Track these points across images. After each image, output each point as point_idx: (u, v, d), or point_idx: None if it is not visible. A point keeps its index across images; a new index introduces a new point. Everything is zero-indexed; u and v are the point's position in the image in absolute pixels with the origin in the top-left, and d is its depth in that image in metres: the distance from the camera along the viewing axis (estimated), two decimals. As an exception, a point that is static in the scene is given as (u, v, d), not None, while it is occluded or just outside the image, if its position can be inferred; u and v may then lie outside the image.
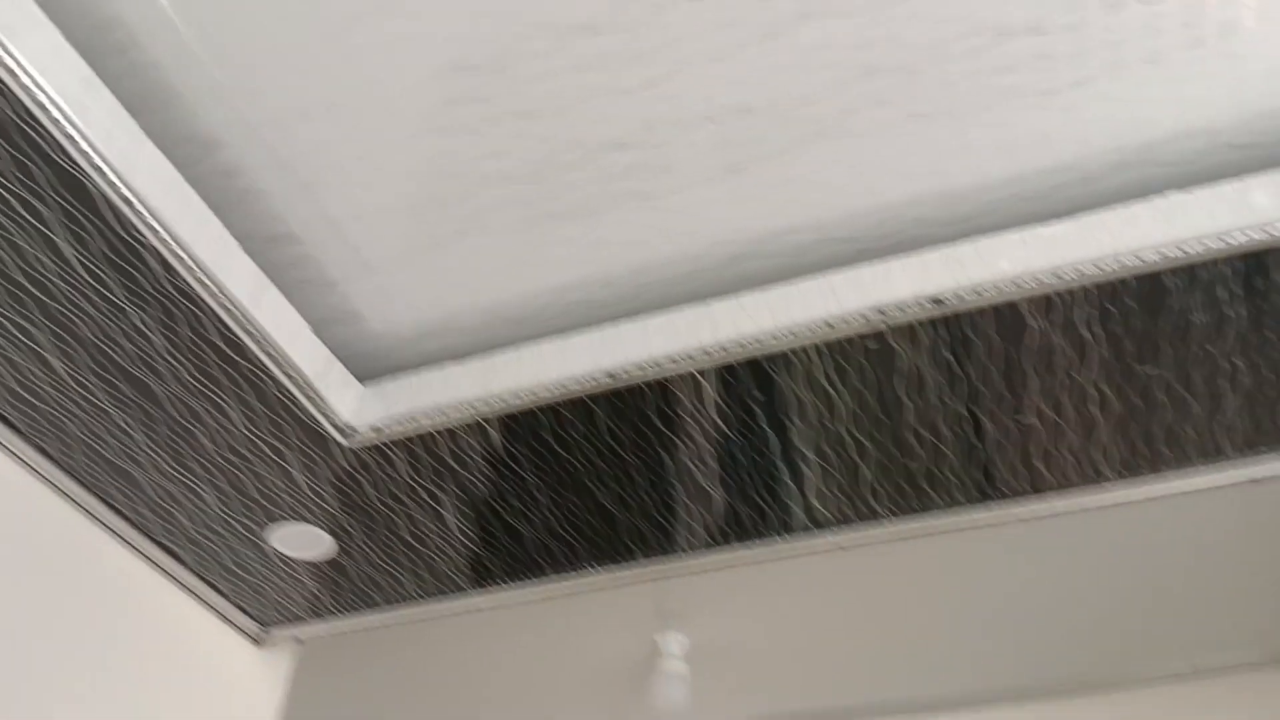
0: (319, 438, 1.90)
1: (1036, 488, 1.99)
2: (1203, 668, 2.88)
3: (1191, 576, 2.60)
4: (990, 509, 2.05)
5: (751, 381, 1.83)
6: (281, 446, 1.92)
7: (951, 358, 1.76)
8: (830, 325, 1.73)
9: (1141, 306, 1.66)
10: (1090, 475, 1.95)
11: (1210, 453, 1.90)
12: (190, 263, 1.63)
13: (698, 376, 1.82)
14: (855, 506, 2.10)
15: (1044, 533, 2.48)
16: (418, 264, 1.88)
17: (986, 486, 2.00)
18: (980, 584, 2.65)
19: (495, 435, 1.91)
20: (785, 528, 2.17)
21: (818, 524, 2.15)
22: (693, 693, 3.03)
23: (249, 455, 1.94)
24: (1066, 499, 1.99)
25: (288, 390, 1.79)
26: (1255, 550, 2.49)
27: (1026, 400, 1.82)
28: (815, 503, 2.10)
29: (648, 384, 1.83)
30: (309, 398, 1.81)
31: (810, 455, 1.98)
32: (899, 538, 2.12)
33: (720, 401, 1.87)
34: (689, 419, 1.91)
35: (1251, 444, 1.89)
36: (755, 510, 2.15)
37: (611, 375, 1.82)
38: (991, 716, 3.06)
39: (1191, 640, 2.82)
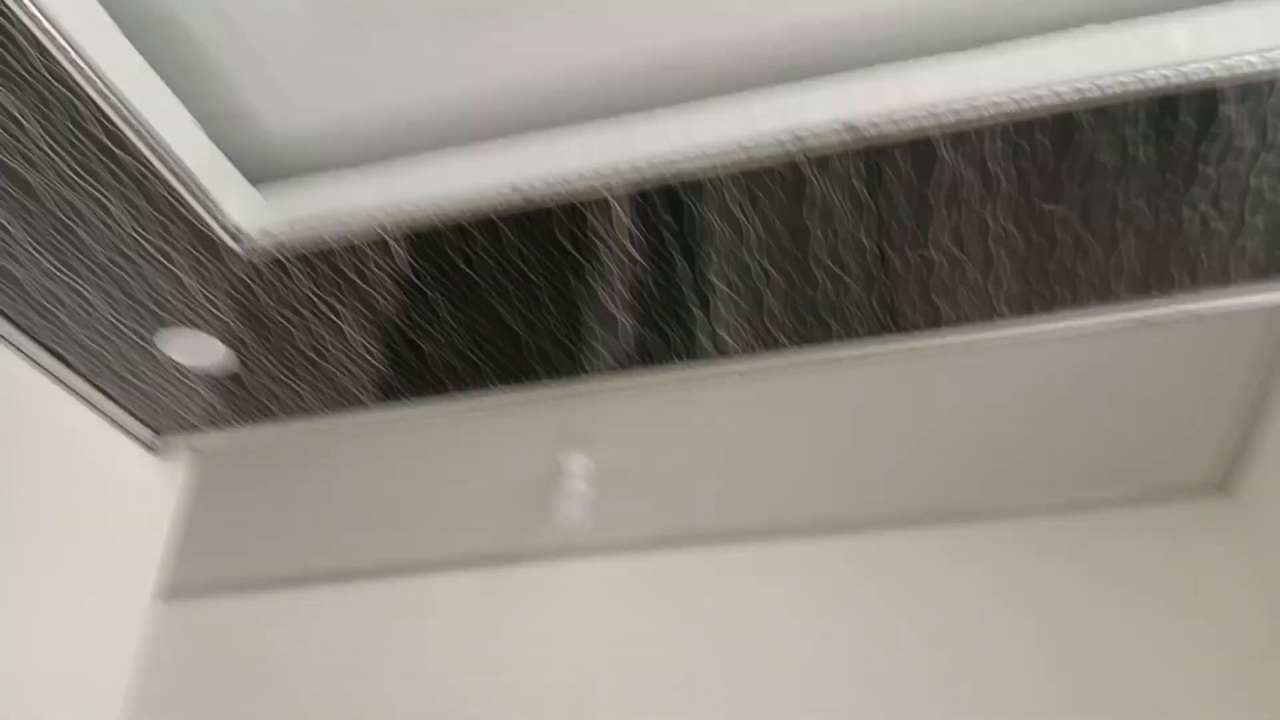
0: (208, 241, 1.82)
1: (935, 323, 2.03)
2: (1079, 501, 3.07)
3: (1076, 415, 2.72)
4: (889, 342, 2.08)
5: (663, 206, 1.79)
6: (169, 249, 1.84)
7: (863, 189, 1.75)
8: (745, 148, 1.69)
9: (1052, 143, 1.65)
10: (987, 312, 1.99)
11: (1103, 294, 1.95)
12: (64, 44, 1.51)
13: (609, 199, 1.78)
14: (759, 335, 2.12)
15: (939, 367, 2.55)
16: (314, 58, 1.77)
17: (887, 320, 2.03)
18: (876, 414, 2.74)
19: (398, 249, 1.85)
20: (690, 354, 2.19)
21: (722, 351, 2.17)
22: (596, 512, 3.12)
23: (136, 257, 1.86)
24: (963, 335, 2.03)
25: (172, 188, 1.70)
26: (1137, 392, 2.61)
27: (932, 235, 1.83)
28: (720, 330, 2.11)
29: (558, 205, 1.79)
30: (195, 196, 1.73)
31: (717, 283, 1.98)
32: (800, 367, 2.15)
33: (631, 226, 1.84)
34: (599, 242, 1.88)
35: (1144, 287, 1.94)
36: (661, 336, 2.15)
37: (518, 190, 1.76)
38: (879, 541, 3.23)
39: (1070, 475, 2.98)
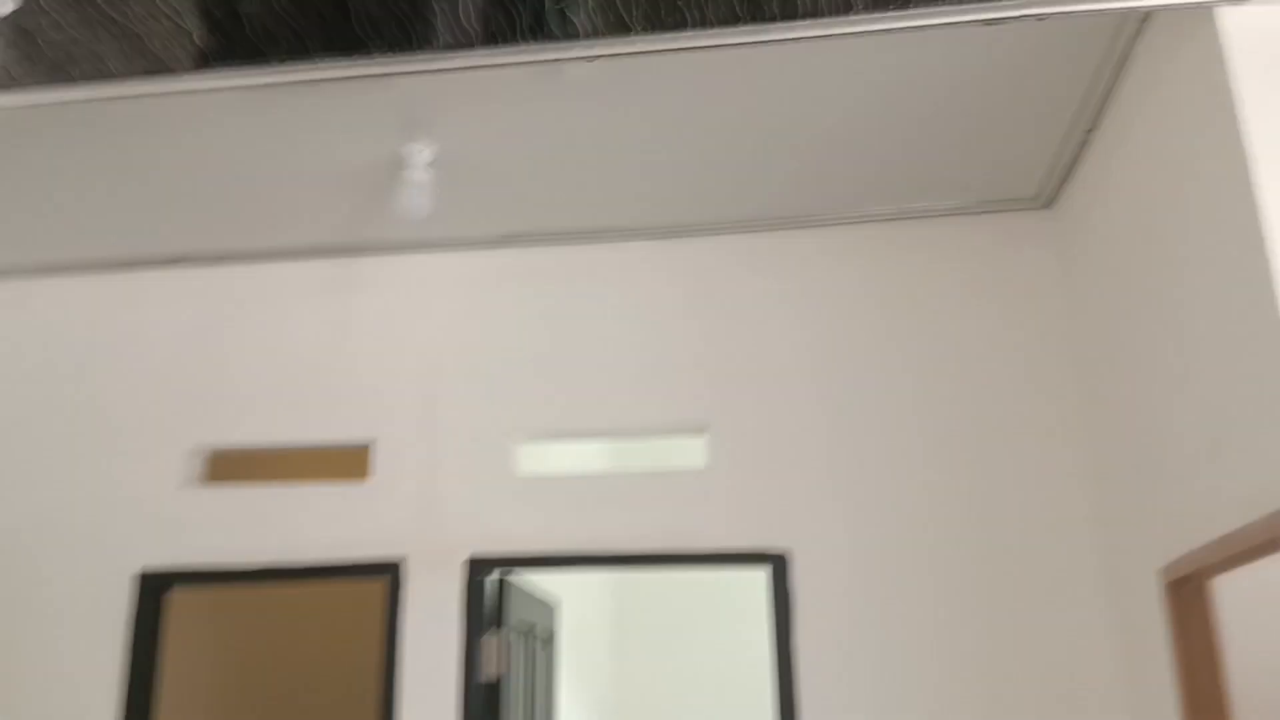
0: None
1: (791, 14, 1.95)
2: (918, 210, 3.16)
3: (921, 125, 2.73)
4: (743, 31, 2.00)
5: None
6: None
7: None
8: None
9: None
10: (840, 6, 1.92)
11: (957, -10, 1.90)
12: None
13: None
14: (610, 18, 2.00)
15: (791, 68, 2.49)
16: None
17: (740, 7, 1.94)
18: (723, 111, 2.68)
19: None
20: (537, 34, 2.06)
21: (571, 34, 2.04)
22: (439, 205, 3.04)
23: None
24: (817, 27, 1.97)
25: None
26: (978, 104, 2.63)
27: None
28: (569, 11, 1.98)
29: None
30: None
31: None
32: (649, 52, 2.06)
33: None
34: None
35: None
36: (505, 13, 2.01)
37: None
38: (717, 242, 3.29)
39: (912, 185, 3.05)
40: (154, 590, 3.11)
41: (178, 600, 3.63)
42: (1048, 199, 3.10)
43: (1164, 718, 2.45)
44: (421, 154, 2.81)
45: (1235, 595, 2.52)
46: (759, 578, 2.97)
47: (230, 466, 3.43)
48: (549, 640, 3.69)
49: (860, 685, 2.85)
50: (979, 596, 2.89)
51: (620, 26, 2.05)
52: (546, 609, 3.65)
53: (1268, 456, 1.85)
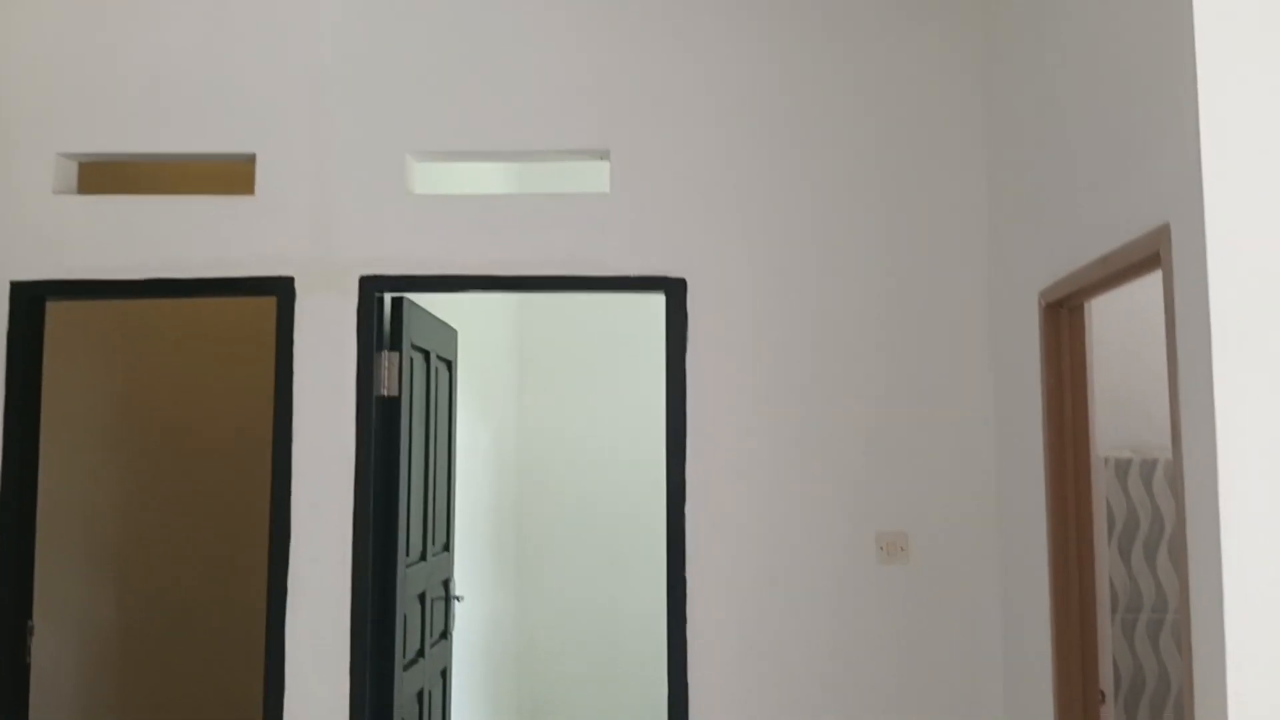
0: None
1: None
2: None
3: None
4: None
5: None
6: None
7: None
8: None
9: None
10: None
11: None
12: None
13: None
14: None
15: None
16: None
17: None
18: None
19: None
20: None
21: None
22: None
23: None
24: None
25: None
26: None
27: None
28: None
29: None
30: None
31: None
32: None
33: None
34: None
35: None
36: None
37: None
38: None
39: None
40: (28, 304, 2.98)
41: (60, 323, 3.52)
42: (973, -84, 2.94)
43: (1028, 436, 2.61)
44: None
45: (1106, 324, 2.63)
46: (660, 309, 2.99)
47: (106, 178, 3.24)
48: (450, 365, 3.71)
49: (748, 410, 2.95)
50: (871, 322, 2.97)
51: None
52: (448, 333, 3.65)
53: (1153, 175, 1.86)
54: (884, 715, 2.84)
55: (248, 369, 4.18)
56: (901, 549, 2.88)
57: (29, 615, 2.96)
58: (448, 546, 3.64)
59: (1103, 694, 2.37)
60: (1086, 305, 2.40)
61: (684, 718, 2.84)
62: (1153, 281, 1.88)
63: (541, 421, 5.52)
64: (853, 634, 2.87)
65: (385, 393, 3.00)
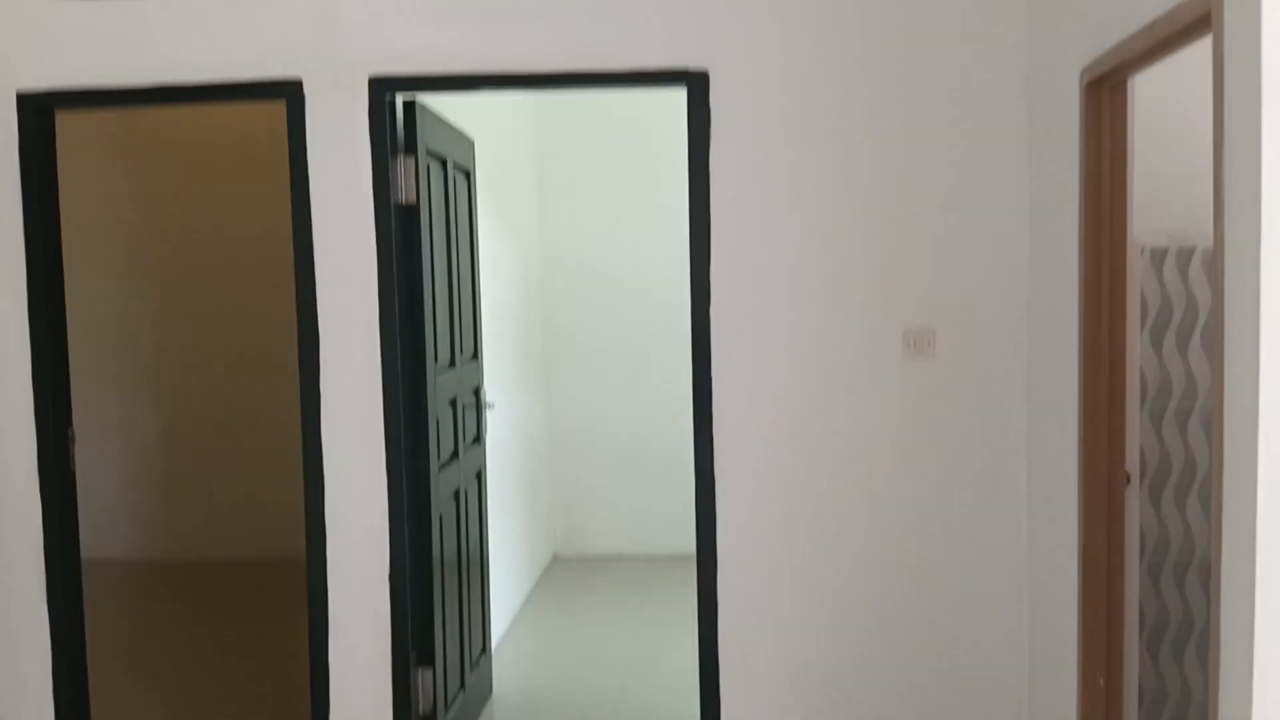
0: None
1: None
2: None
3: None
4: None
5: None
6: None
7: None
8: None
9: None
10: None
11: None
12: None
13: None
14: None
15: None
16: None
17: None
18: None
19: None
20: None
21: None
22: None
23: None
24: None
25: None
26: None
27: None
28: None
29: None
30: None
31: None
32: None
33: None
34: None
35: None
36: None
37: None
38: None
39: None
40: (36, 115, 2.91)
41: (72, 136, 3.46)
42: None
43: (1064, 223, 2.53)
44: None
45: (1149, 101, 2.50)
46: (681, 112, 2.87)
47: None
48: (468, 175, 3.63)
49: (773, 208, 2.87)
50: (903, 111, 2.84)
51: None
52: (465, 141, 3.55)
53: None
54: (909, 502, 2.89)
55: (267, 173, 4.12)
56: (929, 344, 2.86)
57: (69, 423, 3.03)
58: (475, 355, 3.66)
59: (1128, 476, 2.39)
60: (1130, 83, 2.27)
61: (710, 503, 2.91)
62: (1197, 60, 1.76)
63: (563, 232, 5.47)
64: (877, 428, 2.89)
65: (404, 199, 2.94)
